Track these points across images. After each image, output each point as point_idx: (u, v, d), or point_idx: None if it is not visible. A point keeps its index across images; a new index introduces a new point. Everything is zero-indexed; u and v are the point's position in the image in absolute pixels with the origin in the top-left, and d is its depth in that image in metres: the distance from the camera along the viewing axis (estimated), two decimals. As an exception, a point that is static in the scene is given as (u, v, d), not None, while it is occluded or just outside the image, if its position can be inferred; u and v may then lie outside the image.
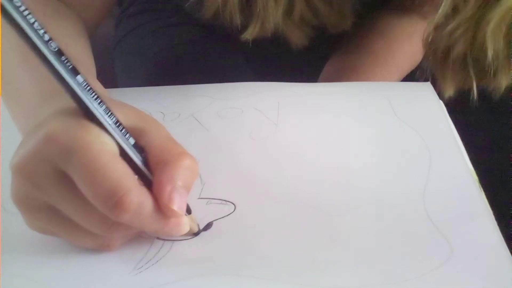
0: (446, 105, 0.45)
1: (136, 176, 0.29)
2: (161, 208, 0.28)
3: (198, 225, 0.32)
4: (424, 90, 0.48)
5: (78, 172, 0.27)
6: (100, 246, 0.30)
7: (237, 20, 0.47)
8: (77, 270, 0.30)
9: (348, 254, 0.31)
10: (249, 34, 0.48)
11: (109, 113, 0.28)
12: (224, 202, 0.35)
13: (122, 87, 0.65)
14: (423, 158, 0.38)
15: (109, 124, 0.28)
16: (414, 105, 0.45)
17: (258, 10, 0.46)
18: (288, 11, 0.47)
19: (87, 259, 0.31)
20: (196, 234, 0.32)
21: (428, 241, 0.31)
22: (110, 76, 0.67)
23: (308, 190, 0.36)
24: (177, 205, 0.28)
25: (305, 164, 0.38)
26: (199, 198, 0.35)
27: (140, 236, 0.32)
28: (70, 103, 0.28)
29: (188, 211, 0.31)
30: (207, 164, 0.38)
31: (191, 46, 0.59)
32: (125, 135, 0.29)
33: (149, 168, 0.29)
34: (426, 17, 0.55)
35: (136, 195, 0.27)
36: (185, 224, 0.30)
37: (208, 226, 0.33)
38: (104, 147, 0.27)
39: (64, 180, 0.27)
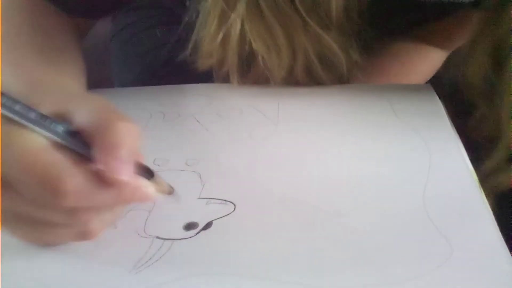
0: (446, 105, 0.45)
1: (70, 162, 0.27)
2: (109, 181, 0.28)
3: (169, 185, 0.31)
4: (425, 91, 0.48)
5: (10, 175, 0.27)
6: (79, 236, 0.30)
7: (234, 80, 0.47)
8: (77, 269, 0.30)
9: (348, 254, 0.30)
10: (245, 82, 0.48)
11: (26, 111, 0.27)
12: (223, 202, 0.35)
13: (116, 80, 0.65)
14: (423, 158, 0.38)
15: (30, 119, 0.27)
16: (414, 106, 0.45)
17: (257, 73, 0.47)
18: (289, 75, 0.47)
19: (87, 258, 0.31)
20: (170, 194, 0.31)
21: (428, 241, 0.31)
22: (106, 73, 0.67)
23: (308, 190, 0.36)
24: (121, 172, 0.27)
25: (305, 164, 0.38)
26: (199, 198, 0.35)
27: (139, 236, 0.32)
28: None
29: (150, 174, 0.30)
30: (207, 164, 0.38)
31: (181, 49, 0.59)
32: (50, 124, 0.28)
33: (88, 146, 0.28)
34: (442, 47, 0.55)
35: (71, 178, 0.27)
36: (145, 187, 0.29)
37: (208, 225, 0.33)
38: (27, 143, 0.27)
39: (6, 184, 0.27)
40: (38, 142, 0.27)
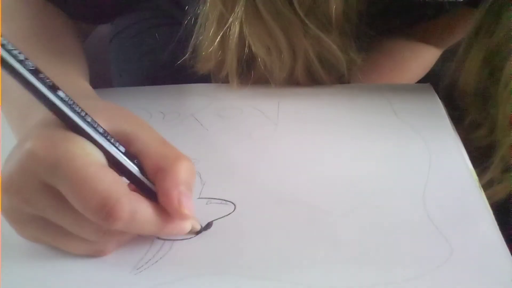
0: (446, 105, 0.45)
1: (126, 184, 0.29)
2: (172, 213, 0.29)
3: (200, 224, 0.32)
4: (425, 91, 0.48)
5: (65, 186, 0.27)
6: (94, 252, 0.30)
7: (234, 82, 0.47)
8: (77, 269, 0.30)
9: (348, 254, 0.30)
10: (245, 84, 0.48)
11: (95, 124, 0.28)
12: (224, 202, 0.35)
13: (116, 81, 0.65)
14: (423, 158, 0.38)
15: (96, 134, 0.28)
16: (414, 106, 0.45)
17: (258, 74, 0.47)
18: (289, 76, 0.47)
19: (87, 258, 0.31)
20: (198, 232, 0.32)
21: (428, 241, 0.31)
22: (106, 73, 0.67)
23: (308, 190, 0.36)
24: (188, 208, 0.29)
25: (305, 164, 0.38)
26: (199, 198, 0.35)
27: (139, 236, 0.32)
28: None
29: None
30: (207, 164, 0.38)
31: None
32: (115, 144, 0.28)
33: (145, 173, 0.29)
34: (435, 45, 0.55)
35: (127, 202, 0.27)
36: (188, 223, 0.31)
37: (208, 225, 0.33)
38: (90, 158, 0.27)
39: (53, 192, 0.27)
40: (100, 159, 0.28)
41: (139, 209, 0.28)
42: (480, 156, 0.41)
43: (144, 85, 0.51)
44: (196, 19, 0.45)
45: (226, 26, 0.43)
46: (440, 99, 0.46)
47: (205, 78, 0.49)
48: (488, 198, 0.34)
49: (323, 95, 0.47)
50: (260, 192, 0.36)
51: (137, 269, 0.30)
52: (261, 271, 0.30)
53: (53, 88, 0.26)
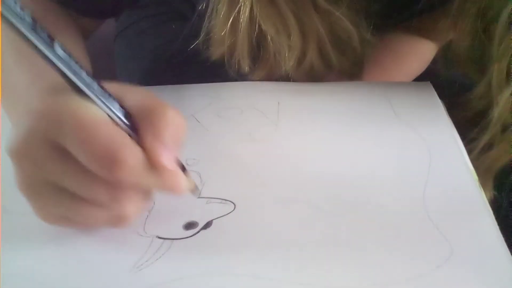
0: (446, 104, 0.45)
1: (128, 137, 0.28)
2: (152, 164, 0.28)
3: (195, 184, 0.32)
4: (425, 90, 0.48)
5: (72, 141, 0.27)
6: (114, 221, 0.30)
7: (245, 66, 0.47)
8: (76, 268, 0.30)
9: (348, 254, 0.30)
10: (255, 76, 0.48)
11: (90, 81, 0.27)
12: (223, 201, 0.35)
13: (121, 78, 0.65)
14: (423, 158, 0.38)
15: (93, 90, 0.27)
16: (414, 105, 0.45)
17: (268, 57, 0.47)
18: (300, 60, 0.47)
19: (87, 257, 0.31)
20: (194, 194, 0.32)
21: (428, 241, 0.31)
22: (111, 71, 0.67)
23: (308, 190, 0.36)
24: (165, 159, 0.28)
25: (305, 164, 0.38)
26: (199, 197, 0.35)
27: (139, 235, 0.32)
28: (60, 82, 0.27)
29: (183, 169, 0.31)
30: (207, 164, 0.38)
31: (192, 41, 0.59)
32: (108, 100, 0.28)
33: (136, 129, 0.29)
34: (436, 41, 0.55)
35: (131, 150, 0.27)
36: (183, 179, 0.30)
37: (207, 225, 0.33)
38: (93, 114, 0.27)
39: (63, 154, 0.27)
40: (99, 115, 0.28)
41: (141, 158, 0.28)
42: (478, 122, 0.41)
43: (148, 82, 0.51)
44: (206, 6, 0.45)
45: (237, 7, 0.43)
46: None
47: (209, 74, 0.49)
48: (490, 164, 0.34)
49: (322, 94, 0.47)
50: (259, 192, 0.36)
51: (136, 268, 0.30)
52: (261, 271, 0.30)
53: (50, 42, 0.26)
